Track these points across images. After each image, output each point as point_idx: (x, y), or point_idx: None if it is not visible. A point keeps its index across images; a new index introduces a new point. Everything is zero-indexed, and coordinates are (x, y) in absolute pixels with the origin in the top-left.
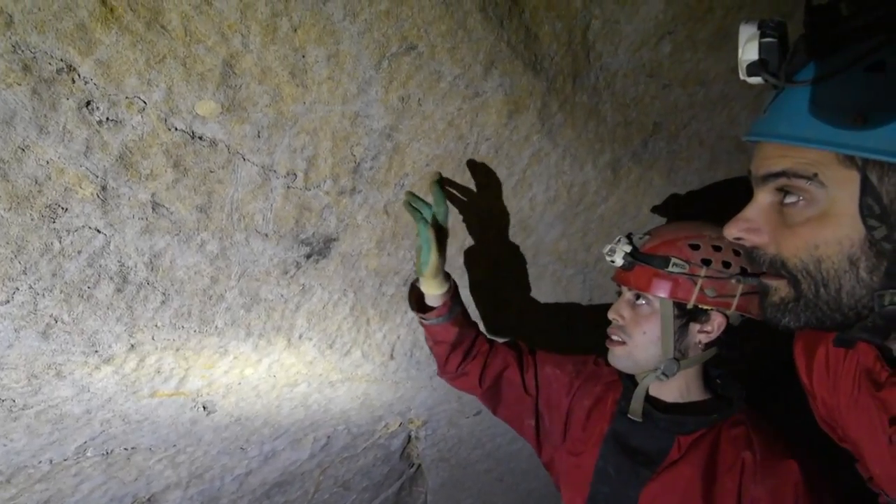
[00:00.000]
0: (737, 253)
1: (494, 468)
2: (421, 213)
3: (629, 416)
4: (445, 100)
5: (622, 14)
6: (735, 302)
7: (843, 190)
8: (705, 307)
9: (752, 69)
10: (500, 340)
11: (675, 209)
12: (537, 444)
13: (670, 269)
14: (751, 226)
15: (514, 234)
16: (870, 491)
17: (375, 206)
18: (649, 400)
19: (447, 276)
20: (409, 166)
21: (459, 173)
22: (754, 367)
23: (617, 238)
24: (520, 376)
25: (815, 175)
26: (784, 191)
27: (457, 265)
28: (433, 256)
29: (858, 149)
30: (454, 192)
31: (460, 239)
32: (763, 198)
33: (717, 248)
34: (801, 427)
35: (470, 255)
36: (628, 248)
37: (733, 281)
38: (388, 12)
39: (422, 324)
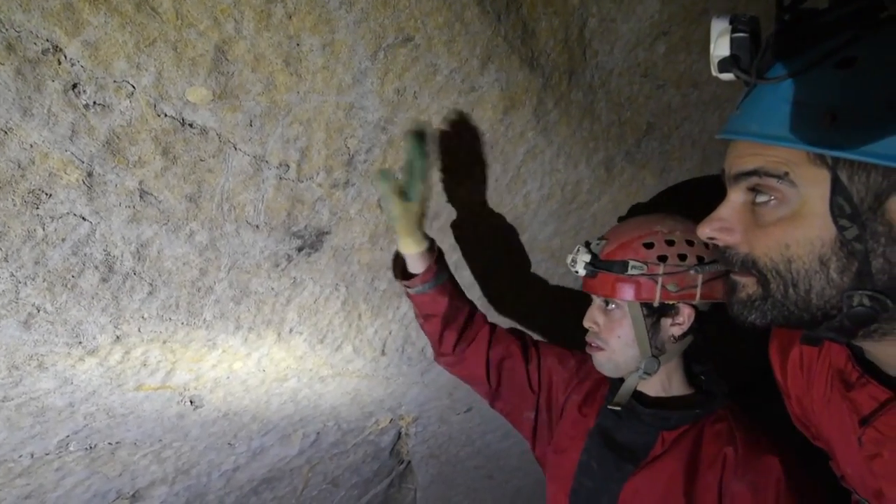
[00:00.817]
0: (689, 243)
1: (484, 465)
2: (384, 173)
3: (608, 406)
4: (441, 93)
5: (619, 13)
6: (698, 292)
7: (813, 189)
8: (671, 302)
9: (724, 65)
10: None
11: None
12: (533, 438)
13: (630, 272)
14: (724, 225)
15: (508, 232)
16: (842, 489)
17: (369, 199)
18: (634, 395)
19: (426, 237)
20: (404, 160)
21: (454, 168)
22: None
23: (576, 248)
24: (524, 369)
25: (786, 174)
26: (756, 190)
27: (450, 261)
28: (396, 206)
29: (828, 147)
30: (448, 181)
31: (451, 236)
32: (736, 197)
33: (670, 243)
34: (778, 425)
35: (463, 253)
36: (588, 258)
37: (692, 272)
38: (386, 2)
39: (408, 294)
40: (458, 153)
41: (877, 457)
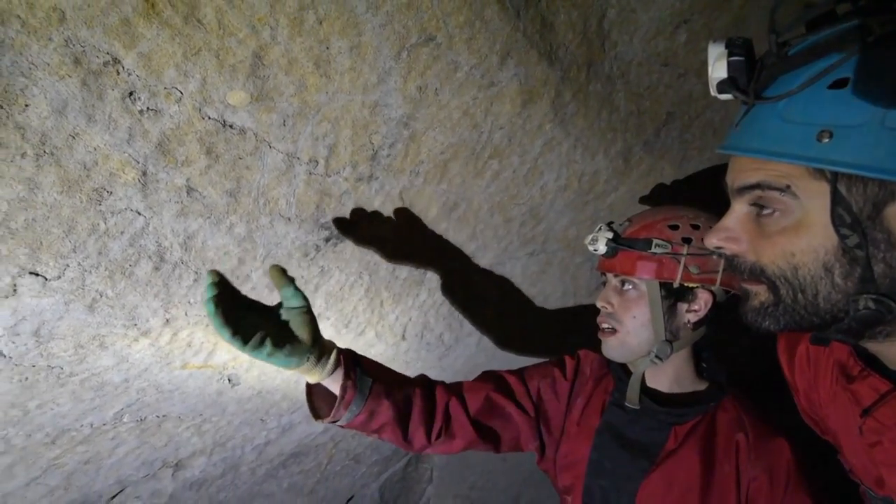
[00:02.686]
0: None
1: None
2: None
3: (627, 404)
4: (461, 89)
5: (638, 3)
6: (719, 277)
7: (815, 200)
8: (691, 285)
9: (722, 87)
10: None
11: (685, 199)
12: (541, 455)
13: (653, 250)
14: (729, 235)
15: (525, 222)
16: (851, 482)
17: (391, 192)
18: (646, 391)
19: (329, 348)
20: (425, 154)
21: (472, 161)
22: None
23: (598, 227)
24: (514, 403)
25: (788, 187)
26: (759, 205)
27: (468, 251)
28: (270, 349)
29: (826, 162)
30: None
31: (471, 225)
32: (740, 208)
33: (695, 227)
34: (787, 420)
35: (480, 241)
36: (610, 235)
37: (715, 257)
38: (409, 4)
39: (342, 427)
40: (477, 146)
41: (877, 445)
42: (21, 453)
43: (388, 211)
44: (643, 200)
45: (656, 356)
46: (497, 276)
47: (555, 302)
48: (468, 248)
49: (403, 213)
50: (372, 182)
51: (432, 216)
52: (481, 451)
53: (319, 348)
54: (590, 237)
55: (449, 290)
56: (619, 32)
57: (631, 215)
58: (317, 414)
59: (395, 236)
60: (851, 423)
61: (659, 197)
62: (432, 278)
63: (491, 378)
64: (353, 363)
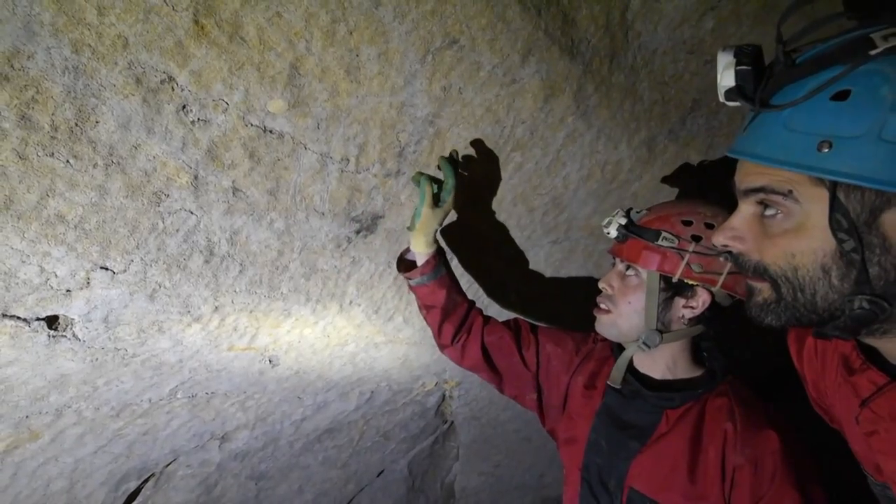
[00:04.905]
0: None
1: (523, 428)
2: (428, 177)
3: (609, 382)
4: (484, 87)
5: None
6: (721, 280)
7: (815, 206)
8: (691, 282)
9: (730, 95)
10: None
11: (710, 186)
12: (541, 415)
13: (660, 242)
14: (735, 234)
15: (548, 212)
16: (861, 472)
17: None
18: (639, 377)
19: (436, 241)
20: (449, 149)
21: (495, 154)
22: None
23: (616, 211)
24: (518, 352)
25: (790, 192)
26: (764, 203)
27: (493, 239)
28: (426, 210)
29: (825, 171)
30: (483, 169)
31: (494, 215)
32: (746, 209)
33: (709, 226)
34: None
35: (504, 230)
36: (623, 221)
37: (721, 259)
38: (434, 11)
39: (410, 286)
40: (500, 140)
41: (874, 434)
42: (90, 424)
43: (414, 204)
44: (667, 189)
45: (644, 342)
46: (521, 263)
47: (579, 287)
48: (492, 237)
49: None
50: (399, 177)
51: (456, 207)
52: (487, 381)
53: (434, 236)
54: (606, 220)
55: (473, 276)
56: (642, 23)
57: (653, 204)
58: (399, 268)
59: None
60: (851, 414)
61: (684, 185)
62: (457, 266)
63: (513, 324)
64: (440, 254)
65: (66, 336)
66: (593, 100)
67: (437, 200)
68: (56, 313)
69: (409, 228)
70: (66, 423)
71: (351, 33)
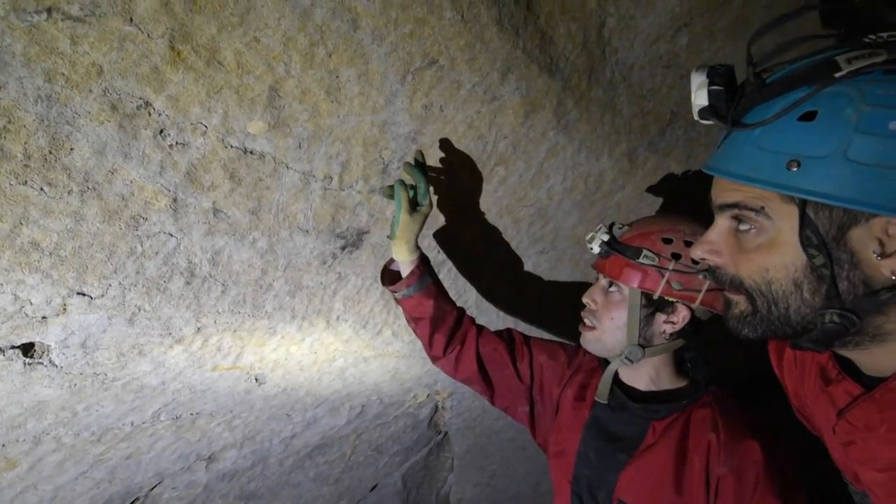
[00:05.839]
0: None
1: (517, 437)
2: (402, 183)
3: (597, 398)
4: (465, 105)
5: (637, 10)
6: (700, 297)
7: (786, 222)
8: (671, 299)
9: (704, 113)
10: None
11: (693, 195)
12: (532, 428)
13: (641, 260)
14: (712, 248)
15: (533, 222)
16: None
17: None
18: (625, 390)
19: (418, 248)
20: (433, 162)
21: (479, 168)
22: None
23: (598, 227)
24: (512, 364)
25: (763, 208)
26: (738, 218)
27: (479, 251)
28: (404, 216)
29: (794, 190)
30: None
31: (481, 227)
32: (722, 223)
33: (688, 244)
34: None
35: (490, 242)
36: (606, 237)
37: (700, 277)
38: (412, 33)
39: (395, 300)
40: (483, 155)
41: (851, 444)
42: (70, 450)
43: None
44: (650, 198)
45: (627, 357)
46: (508, 274)
47: (567, 296)
48: (478, 249)
49: None
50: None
51: (442, 221)
52: (478, 393)
53: (415, 243)
54: (589, 235)
55: (463, 288)
56: (619, 39)
57: (635, 219)
58: (383, 282)
59: None
60: (829, 423)
61: (665, 194)
62: (445, 278)
63: (506, 335)
64: (425, 263)
65: (42, 363)
66: (573, 114)
67: (414, 205)
68: (32, 340)
69: (390, 237)
70: (45, 451)
71: (330, 55)
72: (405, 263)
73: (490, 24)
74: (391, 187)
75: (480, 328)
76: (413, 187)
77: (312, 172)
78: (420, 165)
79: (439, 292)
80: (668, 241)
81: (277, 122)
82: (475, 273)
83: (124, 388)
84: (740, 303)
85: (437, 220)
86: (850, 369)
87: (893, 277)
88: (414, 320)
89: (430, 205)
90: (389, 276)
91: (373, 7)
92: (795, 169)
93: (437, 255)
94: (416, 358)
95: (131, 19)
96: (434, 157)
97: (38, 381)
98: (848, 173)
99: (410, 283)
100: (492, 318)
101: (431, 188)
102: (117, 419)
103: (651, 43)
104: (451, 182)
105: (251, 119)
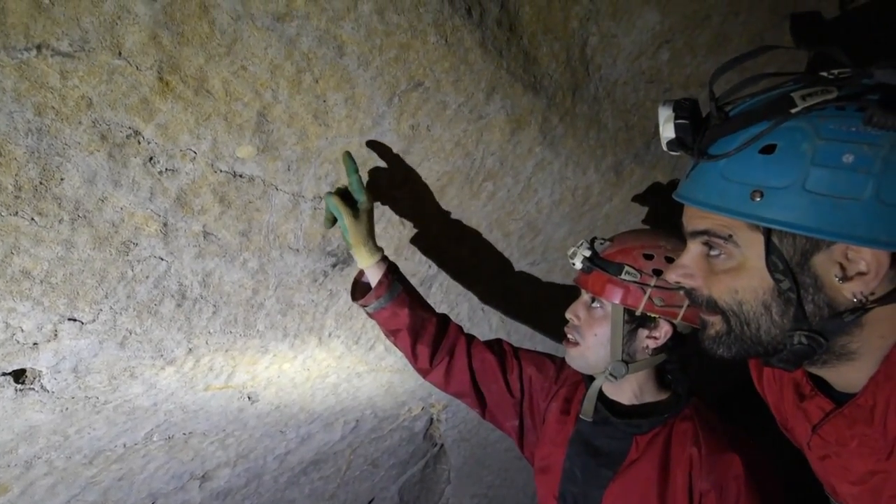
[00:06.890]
0: None
1: (513, 447)
2: (330, 193)
3: (581, 416)
4: (452, 124)
5: (619, 29)
6: (682, 312)
7: (752, 249)
8: (653, 315)
9: (671, 145)
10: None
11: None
12: (520, 442)
13: (623, 276)
14: (686, 272)
15: (523, 235)
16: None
17: (392, 218)
18: (609, 404)
19: (379, 249)
20: (420, 179)
21: (468, 184)
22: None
23: (580, 242)
24: (503, 378)
25: (730, 236)
26: (709, 244)
27: (470, 265)
28: (349, 221)
29: (757, 219)
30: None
31: (471, 241)
32: (694, 248)
33: (669, 260)
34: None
35: (481, 255)
36: (588, 253)
37: (681, 293)
38: (397, 58)
39: (368, 314)
40: (471, 172)
41: (826, 458)
42: (62, 474)
43: (390, 235)
44: (637, 209)
45: (611, 374)
46: (500, 286)
47: (558, 307)
48: (470, 262)
49: (405, 236)
50: (375, 209)
51: (433, 235)
52: (469, 406)
53: (373, 243)
54: (571, 250)
55: (454, 302)
56: (602, 56)
57: (616, 234)
58: (354, 297)
59: (397, 256)
60: (805, 438)
61: (652, 205)
62: (436, 293)
63: (496, 346)
64: (393, 271)
65: (33, 388)
66: (559, 130)
67: (353, 207)
68: (23, 367)
69: (349, 248)
70: (37, 475)
71: (317, 81)
72: (371, 269)
73: (474, 46)
74: (328, 210)
75: (470, 338)
76: (345, 190)
77: (302, 193)
78: (347, 164)
79: (413, 300)
80: (649, 258)
81: (266, 146)
82: (467, 286)
83: (116, 410)
84: (716, 323)
85: (428, 235)
86: (823, 385)
87: (855, 300)
88: (392, 333)
89: (369, 199)
90: (361, 289)
91: (358, 34)
92: (759, 199)
93: (428, 270)
94: (409, 372)
95: (120, 53)
96: (423, 176)
97: (30, 407)
98: (807, 203)
99: (380, 294)
100: (484, 330)
101: (364, 182)
102: (109, 441)
103: (633, 59)
104: (441, 198)
105: (240, 144)
